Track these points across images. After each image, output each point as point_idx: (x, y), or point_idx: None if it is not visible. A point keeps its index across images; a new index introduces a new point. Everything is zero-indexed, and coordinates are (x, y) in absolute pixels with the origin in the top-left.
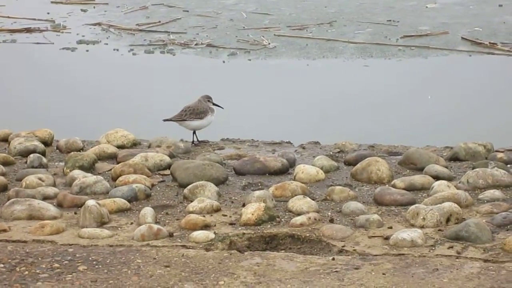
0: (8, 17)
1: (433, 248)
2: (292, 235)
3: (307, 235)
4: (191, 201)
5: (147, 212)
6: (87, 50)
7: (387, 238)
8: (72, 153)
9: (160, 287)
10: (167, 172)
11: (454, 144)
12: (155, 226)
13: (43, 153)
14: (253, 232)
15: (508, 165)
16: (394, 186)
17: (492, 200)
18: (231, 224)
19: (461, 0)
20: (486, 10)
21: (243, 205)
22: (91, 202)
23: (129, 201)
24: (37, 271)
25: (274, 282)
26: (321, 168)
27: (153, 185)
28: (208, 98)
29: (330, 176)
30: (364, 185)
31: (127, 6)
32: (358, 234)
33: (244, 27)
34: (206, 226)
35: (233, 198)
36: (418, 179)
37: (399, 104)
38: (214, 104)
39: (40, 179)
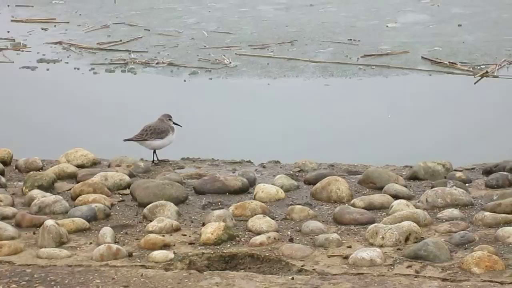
0: None
1: (392, 267)
2: (251, 254)
3: (267, 254)
4: (151, 221)
5: (106, 232)
6: (48, 69)
7: (346, 258)
8: (31, 172)
9: None
10: (127, 191)
11: (413, 163)
12: (114, 246)
13: (2, 173)
14: (212, 252)
15: (467, 184)
16: (353, 205)
17: (450, 219)
18: (190, 243)
19: (421, 20)
20: (446, 30)
21: (203, 225)
22: (49, 222)
23: (89, 220)
24: None
25: None
26: (281, 187)
27: (112, 204)
28: (168, 117)
29: (290, 195)
30: (324, 204)
31: (88, 25)
32: (317, 254)
33: (205, 46)
34: (165, 246)
35: (193, 217)
36: (377, 198)
37: (359, 123)
38: (174, 123)
39: None
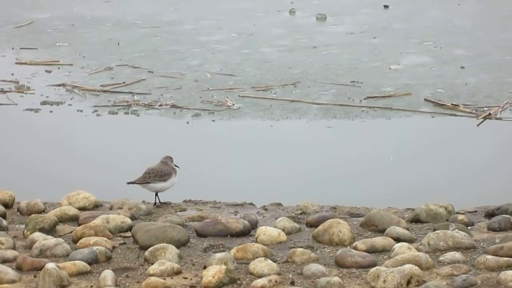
0: None
1: None
2: None
3: None
4: (152, 264)
5: (107, 275)
6: (51, 111)
7: None
8: (33, 215)
9: None
10: (129, 234)
11: (415, 206)
12: None
13: (4, 216)
14: None
15: (469, 227)
16: (355, 248)
17: (452, 262)
18: (191, 286)
19: (424, 62)
20: (449, 72)
21: (204, 267)
22: (50, 265)
23: (90, 263)
24: None
25: None
26: (283, 230)
27: (114, 247)
28: (170, 159)
29: (292, 238)
30: (326, 247)
31: (91, 67)
32: None
33: (208, 88)
34: None
35: (194, 260)
36: (379, 241)
37: (362, 165)
38: (175, 165)
39: None
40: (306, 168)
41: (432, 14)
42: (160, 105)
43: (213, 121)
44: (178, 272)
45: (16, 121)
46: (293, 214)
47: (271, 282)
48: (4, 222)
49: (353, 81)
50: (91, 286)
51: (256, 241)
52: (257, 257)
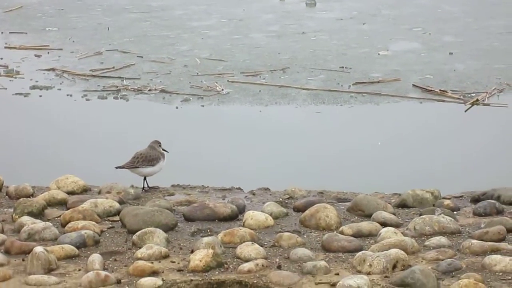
0: None
1: None
2: (239, 281)
3: (255, 281)
4: (140, 248)
5: (95, 258)
6: (40, 96)
7: (333, 285)
8: (22, 199)
9: None
10: (117, 218)
11: (402, 191)
12: (103, 273)
13: None
14: (200, 279)
15: (455, 212)
16: (342, 232)
17: (438, 246)
18: (179, 270)
19: (412, 48)
20: (437, 58)
21: (192, 252)
22: (38, 249)
23: (78, 247)
24: None
25: None
26: (270, 215)
27: (102, 231)
28: (158, 143)
29: (279, 223)
30: (313, 231)
31: (81, 51)
32: (305, 281)
33: (197, 73)
34: (153, 273)
35: (182, 244)
36: (365, 225)
37: (350, 150)
38: (162, 150)
39: None
40: (294, 153)
41: (421, 1)
42: (149, 90)
43: (202, 106)
44: (165, 256)
45: (5, 105)
46: (280, 199)
47: (258, 266)
48: None
49: (342, 67)
50: (79, 270)
51: (243, 226)
52: (244, 241)
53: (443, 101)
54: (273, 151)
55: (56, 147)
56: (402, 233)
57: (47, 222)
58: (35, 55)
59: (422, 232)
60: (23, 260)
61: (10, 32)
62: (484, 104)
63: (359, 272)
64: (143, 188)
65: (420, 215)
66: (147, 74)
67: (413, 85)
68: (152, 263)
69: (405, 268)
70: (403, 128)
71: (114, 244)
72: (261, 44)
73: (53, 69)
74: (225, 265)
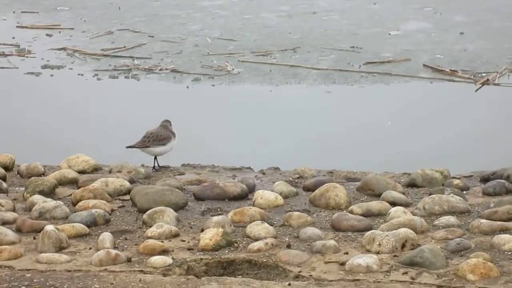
0: None
1: (388, 274)
2: (249, 260)
3: (264, 260)
4: (150, 226)
5: (106, 237)
6: (52, 75)
7: (343, 264)
8: (33, 178)
9: None
10: (127, 197)
11: (412, 170)
12: (113, 251)
13: (4, 178)
14: (210, 258)
15: (464, 192)
16: (351, 212)
17: (447, 226)
18: (189, 249)
19: (423, 28)
20: (448, 38)
21: (202, 231)
22: (49, 227)
23: (88, 226)
24: None
25: None
26: (280, 194)
27: (112, 210)
28: (169, 123)
29: (289, 202)
30: (322, 210)
31: (92, 31)
32: (314, 260)
33: (208, 53)
34: (164, 252)
35: (192, 223)
36: (375, 205)
37: (360, 130)
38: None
39: None
40: (304, 133)
41: None
42: (160, 70)
43: (213, 85)
44: (176, 235)
45: (17, 84)
46: (290, 178)
47: (267, 245)
48: (4, 185)
49: (353, 47)
50: (90, 248)
51: (253, 205)
52: (254, 221)
53: (454, 81)
54: (283, 131)
55: (68, 126)
56: (411, 212)
57: (58, 201)
58: (47, 35)
59: (431, 211)
60: (34, 238)
61: (21, 12)
62: (495, 84)
63: (369, 251)
64: (154, 167)
65: (430, 194)
66: (158, 53)
67: (424, 65)
68: (162, 242)
69: (414, 247)
70: (413, 107)
71: (124, 223)
72: (272, 23)
73: (64, 49)
74: (235, 244)
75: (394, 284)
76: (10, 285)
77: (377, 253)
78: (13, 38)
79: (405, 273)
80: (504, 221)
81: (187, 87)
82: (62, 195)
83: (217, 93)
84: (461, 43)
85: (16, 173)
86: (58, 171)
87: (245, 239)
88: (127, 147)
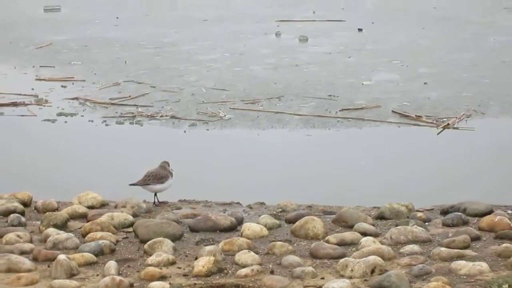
0: None
1: None
2: (237, 285)
3: (251, 285)
4: (150, 255)
5: (111, 265)
6: (66, 122)
7: None
8: (48, 213)
9: None
10: (130, 229)
11: (380, 205)
12: (118, 278)
13: (22, 213)
14: (203, 283)
15: (426, 223)
16: (327, 241)
17: (411, 253)
18: (184, 275)
19: (392, 78)
20: (413, 87)
21: (196, 259)
22: (62, 257)
23: (96, 255)
24: None
25: None
26: (265, 226)
27: (117, 241)
28: (167, 164)
29: (273, 233)
30: (302, 240)
31: (101, 82)
32: (294, 284)
33: (203, 101)
34: (162, 277)
35: (187, 252)
36: (348, 235)
37: (336, 169)
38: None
39: (18, 236)
40: (287, 172)
41: (400, 37)
42: (161, 116)
43: (207, 130)
44: (173, 263)
45: (35, 130)
46: (274, 212)
47: (253, 271)
48: (23, 219)
49: (330, 95)
50: (97, 275)
51: (241, 236)
52: (242, 250)
53: (418, 125)
54: (268, 170)
55: (79, 167)
56: (380, 242)
57: (69, 233)
58: (62, 86)
59: (397, 240)
60: (48, 266)
61: (40, 66)
62: (454, 128)
63: (342, 276)
64: (154, 202)
65: (396, 225)
66: (159, 102)
67: (392, 111)
68: (161, 269)
69: (382, 272)
70: (383, 149)
71: (128, 252)
72: (259, 75)
73: (77, 98)
74: (225, 270)
75: None
76: None
77: (350, 278)
78: (32, 89)
79: None
80: (461, 248)
81: (184, 131)
82: (73, 228)
83: (211, 136)
84: (425, 92)
85: (33, 208)
86: (70, 206)
87: (234, 266)
88: (130, 184)
